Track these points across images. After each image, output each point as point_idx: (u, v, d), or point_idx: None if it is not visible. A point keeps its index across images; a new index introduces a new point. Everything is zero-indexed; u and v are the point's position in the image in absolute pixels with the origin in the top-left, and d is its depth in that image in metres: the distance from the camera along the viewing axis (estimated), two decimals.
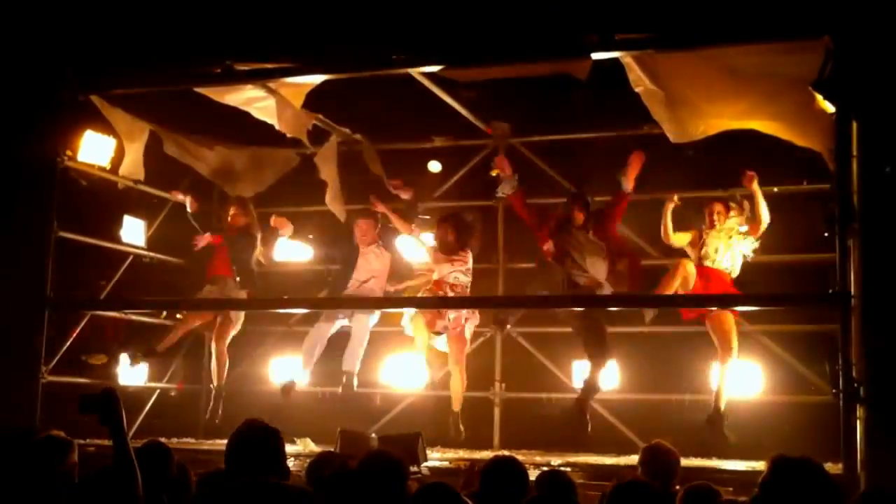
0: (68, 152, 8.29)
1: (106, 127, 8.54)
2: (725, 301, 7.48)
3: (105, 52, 7.84)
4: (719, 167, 8.50)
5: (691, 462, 7.29)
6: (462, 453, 7.75)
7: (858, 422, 5.79)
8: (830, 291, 6.09)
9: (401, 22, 7.22)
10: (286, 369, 9.47)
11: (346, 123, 9.56)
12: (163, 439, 7.58)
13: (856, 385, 5.82)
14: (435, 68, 7.59)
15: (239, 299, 8.86)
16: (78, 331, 8.72)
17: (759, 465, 6.73)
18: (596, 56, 7.09)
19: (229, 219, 9.03)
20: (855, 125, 6.29)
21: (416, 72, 7.72)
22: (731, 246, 7.77)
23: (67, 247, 8.24)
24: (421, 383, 8.75)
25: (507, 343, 9.32)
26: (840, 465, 5.75)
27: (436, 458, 7.23)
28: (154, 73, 7.92)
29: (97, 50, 7.84)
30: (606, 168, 8.64)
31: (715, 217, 7.84)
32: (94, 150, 8.63)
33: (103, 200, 9.05)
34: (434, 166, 9.93)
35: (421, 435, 7.05)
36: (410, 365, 8.91)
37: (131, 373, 9.12)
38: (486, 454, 7.35)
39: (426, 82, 8.06)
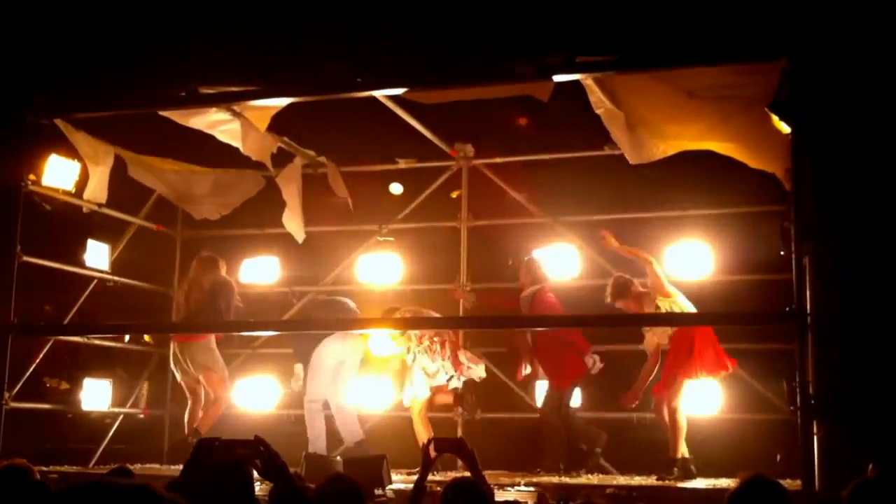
0: (32, 176, 8.25)
1: (70, 151, 8.51)
2: (685, 319, 7.56)
3: (69, 75, 7.82)
4: (677, 188, 8.60)
5: (651, 482, 7.36)
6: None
7: (815, 438, 5.88)
8: (787, 310, 6.17)
9: (364, 45, 7.27)
10: (251, 392, 9.45)
11: (310, 146, 9.60)
12: (127, 465, 7.62)
13: (812, 402, 5.90)
14: (398, 91, 7.64)
15: (204, 321, 8.82)
16: (41, 356, 8.64)
17: (720, 483, 6.85)
18: (558, 78, 7.17)
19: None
20: (810, 145, 6.39)
21: (379, 94, 7.77)
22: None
23: (31, 271, 8.20)
24: (386, 405, 8.76)
25: None
26: (799, 482, 5.83)
27: (400, 480, 7.23)
28: (119, 96, 7.91)
29: (61, 73, 7.83)
30: (568, 189, 8.71)
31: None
32: (58, 174, 8.59)
33: (67, 224, 9.00)
34: (395, 188, 9.99)
35: (386, 457, 7.05)
36: (375, 386, 8.92)
37: (94, 398, 9.05)
38: (452, 475, 7.36)
39: (390, 105, 8.11)
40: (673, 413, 7.47)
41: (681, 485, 7.07)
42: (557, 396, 8.31)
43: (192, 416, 8.56)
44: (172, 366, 8.67)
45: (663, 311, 7.56)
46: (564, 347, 8.29)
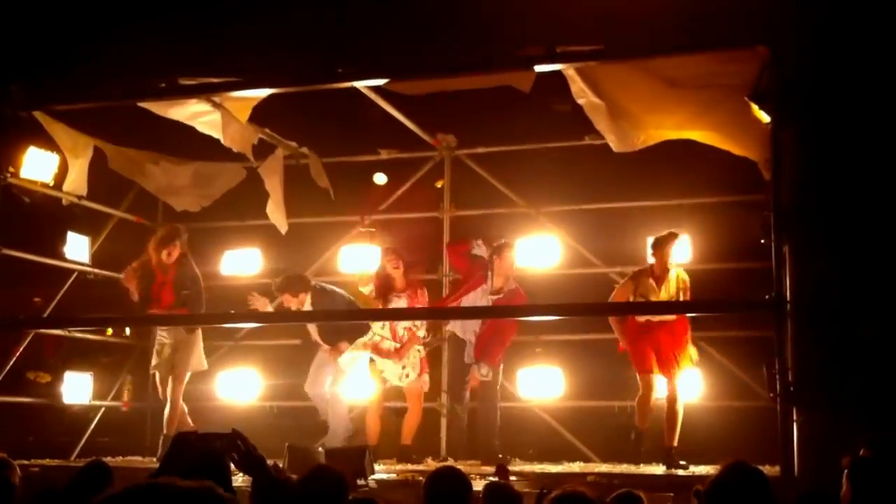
0: (11, 169, 8.21)
1: (49, 143, 8.46)
2: (666, 308, 7.60)
3: (48, 66, 7.78)
4: (658, 177, 8.63)
5: (631, 469, 7.40)
6: (409, 465, 7.78)
7: (794, 425, 5.92)
8: (766, 297, 6.21)
9: (346, 36, 7.26)
10: (234, 384, 9.44)
11: (292, 137, 9.57)
12: (108, 458, 7.60)
13: (792, 389, 5.94)
14: (380, 81, 7.62)
15: (186, 315, 8.78)
16: (21, 349, 8.61)
17: (699, 470, 6.90)
18: (539, 68, 7.17)
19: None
20: (789, 134, 6.43)
21: (361, 85, 7.75)
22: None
23: (14, 264, 8.17)
24: (367, 395, 8.76)
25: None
26: (777, 468, 5.87)
27: (382, 470, 7.25)
28: (98, 87, 7.87)
29: (39, 65, 7.78)
30: (550, 179, 8.72)
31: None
32: (37, 166, 8.54)
33: (47, 217, 8.95)
34: (380, 178, 9.98)
35: (368, 448, 7.07)
36: (356, 377, 8.91)
37: (76, 391, 9.02)
38: (434, 464, 7.39)
39: (372, 95, 8.10)
40: (676, 401, 7.53)
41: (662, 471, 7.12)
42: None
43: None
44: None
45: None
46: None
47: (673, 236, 7.81)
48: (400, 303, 8.31)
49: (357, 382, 8.66)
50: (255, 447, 3.80)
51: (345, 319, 8.58)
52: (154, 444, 8.50)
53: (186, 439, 3.92)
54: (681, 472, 7.08)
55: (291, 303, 8.43)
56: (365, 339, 8.32)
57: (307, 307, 8.46)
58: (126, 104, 8.10)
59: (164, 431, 8.32)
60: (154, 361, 8.38)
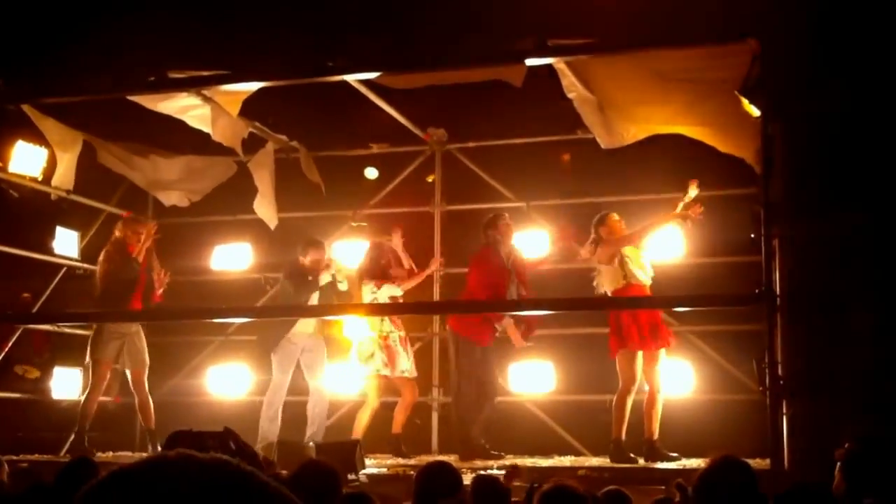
0: None
1: (38, 137, 8.43)
2: (656, 303, 7.60)
3: (36, 60, 7.75)
4: (649, 172, 8.63)
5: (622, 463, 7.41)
6: (400, 460, 7.78)
7: (784, 418, 5.93)
8: (756, 291, 6.21)
9: (336, 29, 7.24)
10: (224, 379, 9.42)
11: (282, 131, 9.54)
12: (98, 453, 7.58)
13: (781, 382, 5.96)
14: (371, 75, 7.61)
15: (178, 308, 8.78)
16: (10, 345, 8.58)
17: (690, 463, 6.91)
18: (530, 62, 7.17)
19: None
20: (779, 128, 6.44)
21: (351, 79, 7.74)
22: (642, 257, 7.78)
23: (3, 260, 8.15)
24: (357, 391, 8.77)
25: (444, 348, 9.34)
26: (767, 461, 5.89)
27: (373, 465, 7.25)
28: (87, 81, 7.83)
29: (28, 58, 7.75)
30: (541, 173, 8.71)
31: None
32: (25, 160, 8.51)
33: (35, 212, 8.92)
34: (371, 173, 9.97)
35: (359, 443, 7.06)
36: (346, 372, 8.91)
37: (65, 386, 8.98)
38: (425, 458, 7.39)
39: (363, 89, 8.08)
40: (658, 390, 7.49)
41: (649, 465, 7.13)
42: None
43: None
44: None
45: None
46: None
47: (608, 213, 7.84)
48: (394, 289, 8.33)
49: (343, 378, 8.68)
50: (246, 444, 3.80)
51: (340, 314, 8.55)
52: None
53: (179, 438, 3.92)
54: (674, 465, 7.09)
55: (319, 257, 8.41)
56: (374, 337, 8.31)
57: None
58: (115, 98, 8.07)
59: (146, 426, 8.32)
60: (100, 353, 8.31)
